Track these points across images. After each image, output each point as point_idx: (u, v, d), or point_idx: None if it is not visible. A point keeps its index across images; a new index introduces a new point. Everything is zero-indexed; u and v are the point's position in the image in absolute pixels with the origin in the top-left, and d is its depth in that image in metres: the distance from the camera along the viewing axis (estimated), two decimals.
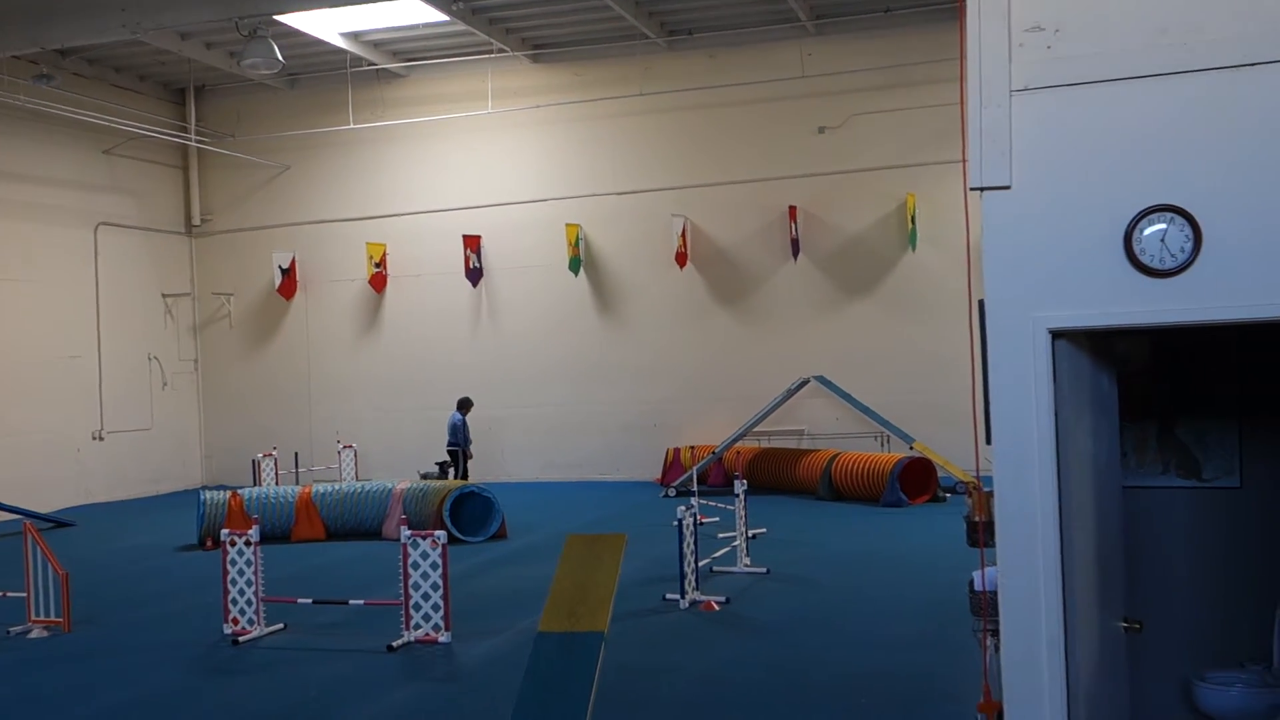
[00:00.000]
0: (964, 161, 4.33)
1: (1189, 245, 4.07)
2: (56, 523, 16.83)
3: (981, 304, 4.38)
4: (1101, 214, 4.16)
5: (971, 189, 4.30)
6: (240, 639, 9.17)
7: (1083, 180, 4.19)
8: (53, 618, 9.81)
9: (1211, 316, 4.12)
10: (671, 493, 17.35)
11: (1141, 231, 4.13)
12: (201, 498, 14.37)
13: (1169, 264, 4.10)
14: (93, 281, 20.18)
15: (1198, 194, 4.06)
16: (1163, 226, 4.10)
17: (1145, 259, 4.12)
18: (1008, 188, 4.23)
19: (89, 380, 19.96)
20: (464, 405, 17.99)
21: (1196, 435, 5.97)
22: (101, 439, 20.09)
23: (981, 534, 5.14)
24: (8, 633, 9.71)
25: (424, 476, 17.37)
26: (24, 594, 9.90)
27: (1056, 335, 4.27)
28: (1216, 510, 5.93)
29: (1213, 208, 4.04)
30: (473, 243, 20.29)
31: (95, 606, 10.62)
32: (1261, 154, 4.00)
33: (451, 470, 18.07)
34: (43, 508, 17.44)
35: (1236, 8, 4.02)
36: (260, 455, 18.52)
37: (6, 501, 16.53)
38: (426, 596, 8.87)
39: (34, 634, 9.69)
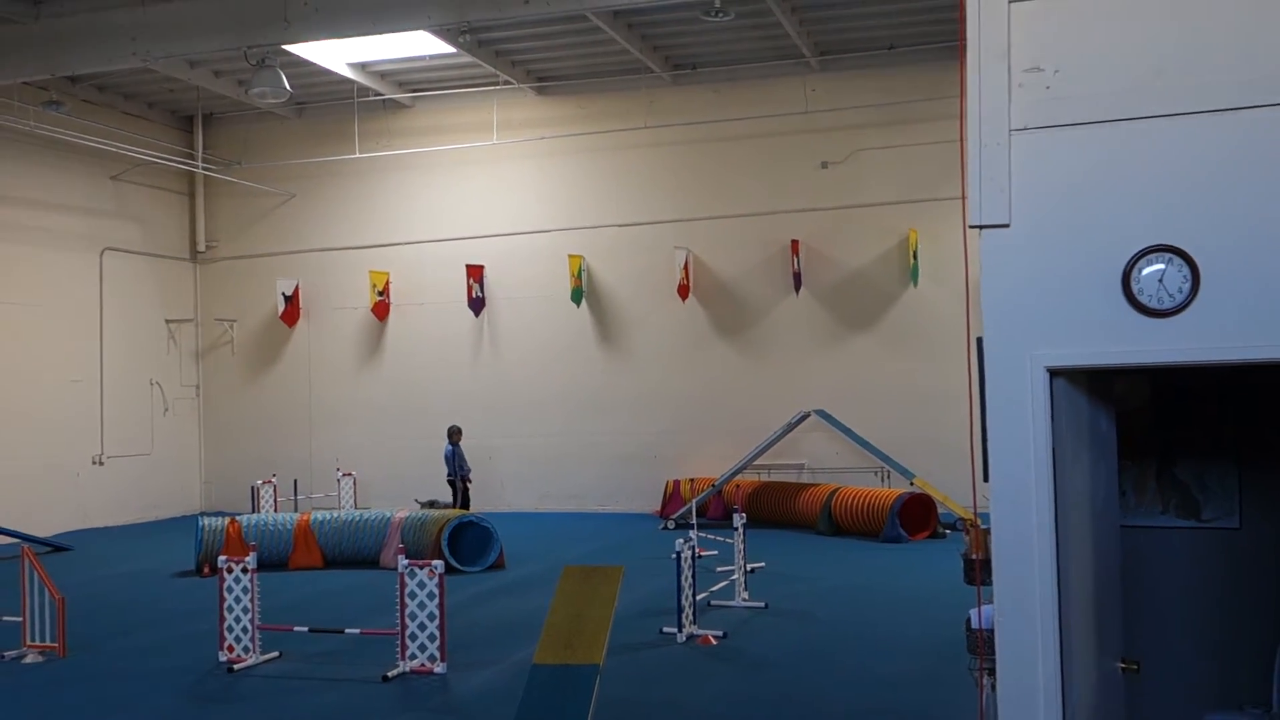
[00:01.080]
0: (963, 199, 4.37)
1: (1187, 286, 4.09)
2: (54, 547, 16.78)
3: (980, 341, 4.39)
4: (1100, 253, 4.19)
5: (971, 226, 4.33)
6: (235, 666, 9.13)
7: (1081, 219, 4.22)
8: (48, 643, 9.76)
9: (1209, 357, 4.13)
10: (670, 525, 17.29)
11: (1140, 271, 4.15)
12: (200, 524, 14.35)
13: (1167, 304, 4.12)
14: (97, 306, 20.24)
15: (1196, 235, 4.09)
16: (1161, 267, 4.12)
17: (1143, 299, 4.14)
18: (1006, 226, 4.26)
19: (90, 405, 19.97)
20: (453, 434, 17.95)
21: (1196, 476, 5.95)
22: (101, 464, 20.07)
23: (979, 572, 5.12)
24: (2, 657, 9.68)
25: (426, 505, 17.29)
26: (20, 618, 9.86)
27: (1054, 373, 4.28)
28: (1216, 551, 5.91)
29: (1211, 248, 4.07)
30: (476, 272, 20.37)
31: (91, 632, 10.58)
32: (1259, 195, 4.03)
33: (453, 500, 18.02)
34: (41, 532, 17.40)
35: (1233, 51, 4.06)
36: (260, 482, 18.51)
37: (5, 525, 16.50)
38: (423, 626, 8.83)
39: (29, 659, 9.64)
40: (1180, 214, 4.11)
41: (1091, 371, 4.52)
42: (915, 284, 18.40)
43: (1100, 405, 4.82)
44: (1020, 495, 4.26)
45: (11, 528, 16.52)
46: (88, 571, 14.70)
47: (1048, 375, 4.25)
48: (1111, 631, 4.86)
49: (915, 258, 18.26)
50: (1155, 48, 4.17)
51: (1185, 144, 4.11)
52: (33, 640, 9.78)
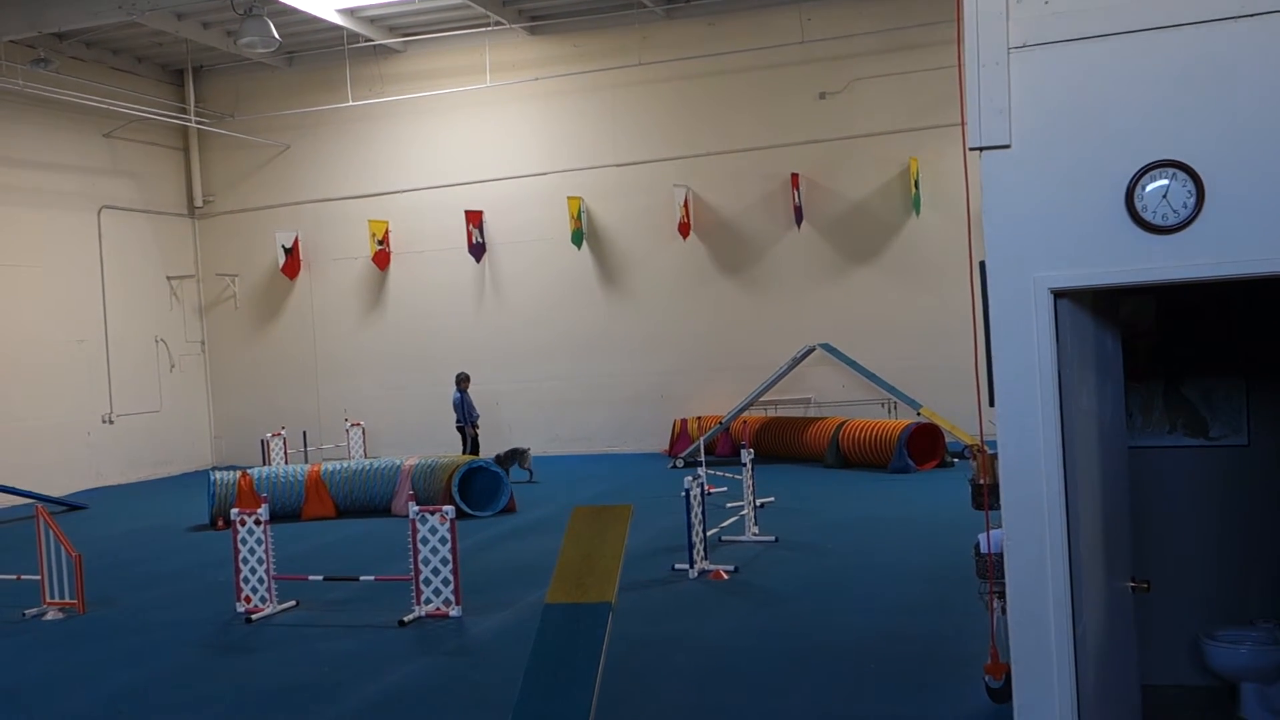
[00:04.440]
0: (963, 122, 4.29)
1: (1191, 201, 4.04)
2: (69, 506, 16.92)
3: (983, 265, 4.35)
4: (1102, 171, 4.13)
5: (971, 149, 4.26)
6: (253, 616, 9.23)
7: (1083, 137, 4.15)
8: (67, 599, 9.87)
9: (1215, 272, 4.09)
10: (679, 463, 17.35)
11: (1143, 188, 4.09)
12: (211, 478, 14.43)
13: (1171, 220, 4.07)
14: (97, 265, 20.19)
15: (1200, 149, 4.02)
16: (1165, 182, 4.06)
17: (1147, 215, 4.09)
18: (1007, 146, 4.20)
19: (97, 364, 20.01)
20: (461, 381, 17.98)
21: (1203, 394, 5.94)
22: (111, 422, 20.16)
23: (986, 496, 5.14)
24: (23, 615, 9.79)
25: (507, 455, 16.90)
26: (38, 577, 9.96)
27: (1058, 295, 4.24)
28: (1224, 469, 5.92)
29: (1215, 162, 4.00)
30: (475, 218, 20.24)
31: (109, 588, 10.69)
32: (1264, 107, 3.96)
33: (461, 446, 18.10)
34: (55, 491, 17.53)
35: None
36: (269, 435, 18.60)
37: (19, 486, 16.63)
38: (436, 571, 8.91)
39: (49, 616, 9.76)
40: (1183, 128, 4.04)
41: (1096, 292, 4.48)
42: (917, 213, 18.27)
43: (1105, 325, 4.78)
44: (1026, 418, 4.25)
45: (26, 488, 16.64)
46: (103, 529, 14.84)
47: (1051, 297, 4.22)
48: (1121, 552, 4.87)
49: (916, 187, 18.11)
50: None
51: (1187, 55, 4.03)
52: (52, 598, 9.88)
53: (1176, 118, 4.05)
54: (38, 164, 19.26)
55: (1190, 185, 4.03)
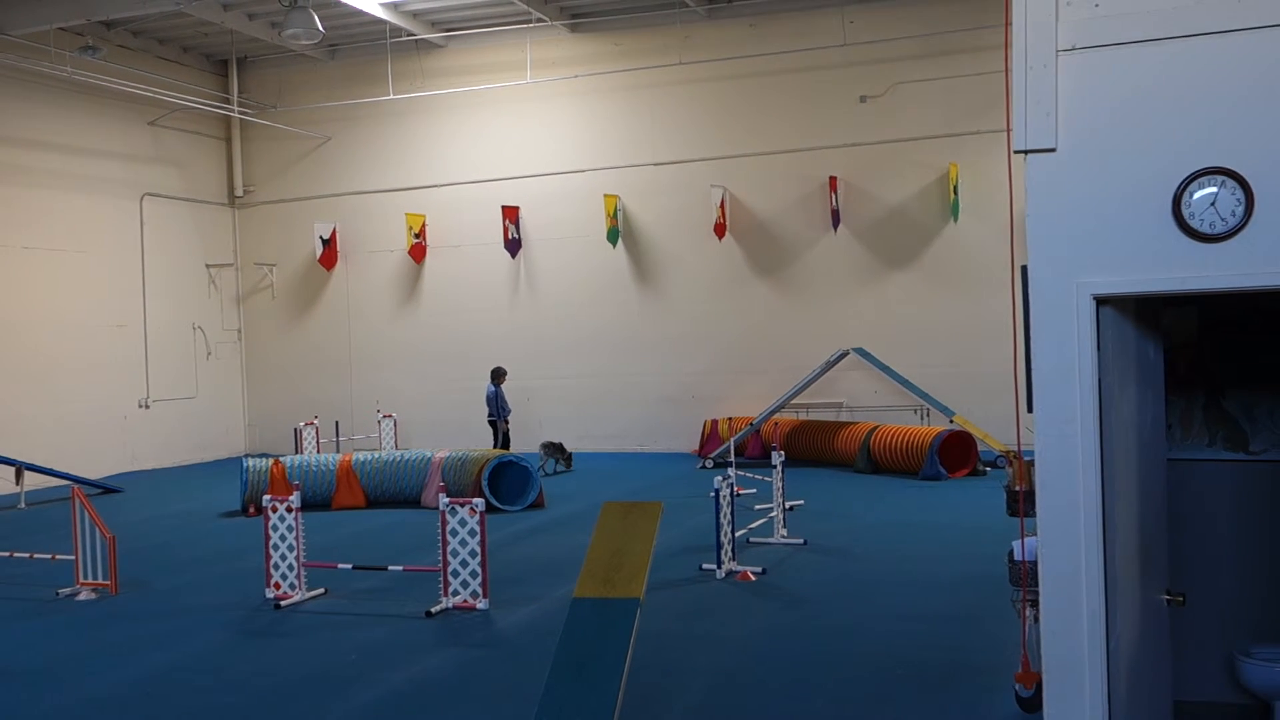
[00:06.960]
0: (1009, 129, 4.25)
1: (1240, 209, 3.98)
2: (104, 489, 17.14)
3: (1024, 270, 4.31)
4: (1149, 177, 4.07)
5: (1015, 152, 4.22)
6: (282, 603, 9.30)
7: (1130, 142, 4.10)
8: (100, 580, 10.00)
9: (1263, 282, 4.03)
10: (709, 464, 17.33)
11: (1191, 195, 4.03)
12: (244, 465, 14.56)
13: (1219, 228, 4.01)
14: (138, 252, 20.43)
15: (1250, 156, 3.96)
16: (1213, 190, 4.00)
17: (1194, 223, 4.03)
18: (1053, 150, 4.15)
19: (135, 349, 20.26)
20: (497, 375, 18.05)
21: (1245, 408, 5.86)
22: (148, 407, 20.40)
23: (1022, 503, 5.09)
24: (57, 594, 9.92)
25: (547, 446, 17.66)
26: (72, 557, 10.09)
27: (1101, 301, 4.19)
28: (1265, 483, 5.83)
29: (1266, 170, 3.94)
30: (511, 213, 20.31)
31: (142, 570, 10.82)
32: None
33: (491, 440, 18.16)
34: (91, 474, 17.76)
35: None
36: (302, 424, 18.73)
37: (57, 468, 16.86)
38: (465, 564, 8.94)
39: (82, 596, 9.88)
40: (1233, 134, 3.99)
41: (1139, 299, 4.43)
42: (955, 219, 18.13)
43: (1147, 334, 4.72)
44: (1065, 426, 4.20)
45: (63, 470, 16.88)
46: (137, 512, 15.01)
47: (1094, 303, 4.17)
48: (1157, 563, 4.81)
49: (955, 193, 17.98)
50: None
51: (1239, 61, 3.97)
52: (85, 578, 10.01)
53: (1227, 124, 3.99)
54: (83, 150, 19.51)
55: (1239, 193, 3.97)
